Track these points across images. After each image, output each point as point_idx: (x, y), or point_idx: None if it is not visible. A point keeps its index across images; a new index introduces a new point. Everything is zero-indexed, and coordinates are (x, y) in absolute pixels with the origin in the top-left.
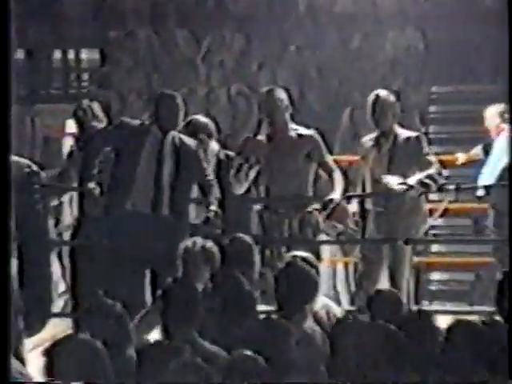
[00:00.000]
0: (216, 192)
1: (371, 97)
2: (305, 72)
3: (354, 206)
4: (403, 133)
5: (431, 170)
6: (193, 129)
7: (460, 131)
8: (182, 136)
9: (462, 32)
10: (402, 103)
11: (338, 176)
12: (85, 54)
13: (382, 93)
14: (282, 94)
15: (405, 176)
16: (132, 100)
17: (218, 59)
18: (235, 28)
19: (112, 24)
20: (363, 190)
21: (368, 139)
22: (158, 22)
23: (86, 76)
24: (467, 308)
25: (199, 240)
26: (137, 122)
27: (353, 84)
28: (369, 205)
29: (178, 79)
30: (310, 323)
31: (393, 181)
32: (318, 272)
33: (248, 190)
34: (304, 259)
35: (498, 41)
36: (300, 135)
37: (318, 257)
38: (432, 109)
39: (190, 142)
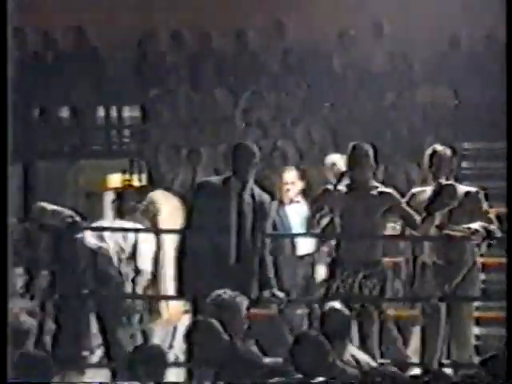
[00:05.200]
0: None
1: (428, 151)
2: (338, 128)
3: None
4: (461, 187)
5: (492, 226)
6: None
7: (492, 187)
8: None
9: (492, 90)
10: None
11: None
12: (126, 112)
13: (439, 147)
14: (369, 151)
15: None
16: (171, 155)
17: (256, 116)
18: (271, 85)
19: (152, 82)
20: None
21: (419, 191)
22: (197, 80)
23: (127, 132)
24: None
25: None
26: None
27: (385, 140)
28: (426, 258)
29: (216, 136)
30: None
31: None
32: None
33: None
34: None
35: None
36: (380, 193)
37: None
38: (464, 165)
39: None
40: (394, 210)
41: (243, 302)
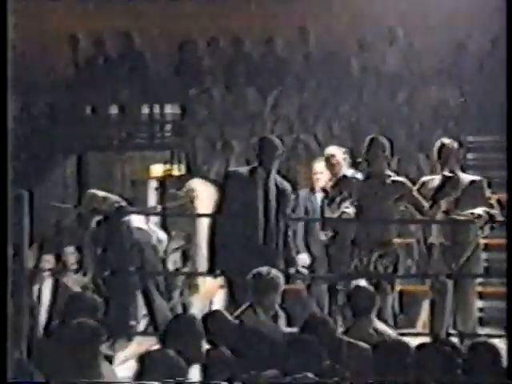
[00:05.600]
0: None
1: (437, 144)
2: (356, 123)
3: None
4: (466, 176)
5: (493, 211)
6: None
7: (494, 176)
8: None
9: (496, 86)
10: None
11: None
12: (168, 109)
13: (447, 140)
14: (385, 143)
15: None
16: (207, 148)
17: (282, 112)
18: (295, 85)
19: (191, 83)
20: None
21: (428, 179)
22: (230, 81)
23: (168, 127)
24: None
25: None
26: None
27: (398, 134)
28: (434, 239)
29: (247, 130)
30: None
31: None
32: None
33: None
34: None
35: None
36: (394, 181)
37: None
38: (469, 156)
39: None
40: (405, 198)
41: (281, 278)
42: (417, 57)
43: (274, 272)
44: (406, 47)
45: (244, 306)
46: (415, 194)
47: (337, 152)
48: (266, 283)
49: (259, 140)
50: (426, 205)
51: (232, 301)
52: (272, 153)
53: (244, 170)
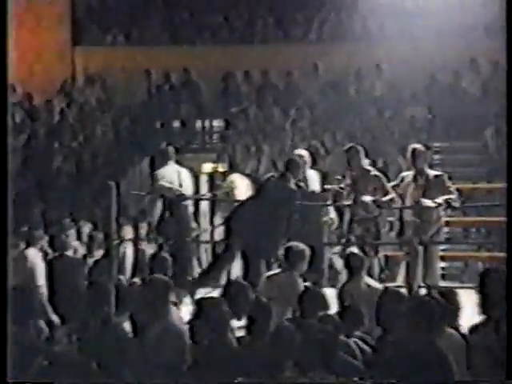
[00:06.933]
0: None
1: (410, 148)
2: (353, 133)
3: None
4: (431, 172)
5: (452, 196)
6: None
7: (455, 171)
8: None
9: (457, 105)
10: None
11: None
12: (215, 123)
13: (417, 146)
14: (360, 151)
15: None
16: (244, 151)
17: (298, 125)
18: (309, 105)
19: (232, 103)
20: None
21: (406, 175)
22: (261, 102)
23: (215, 136)
24: (459, 284)
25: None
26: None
27: (384, 141)
28: (407, 217)
29: (273, 139)
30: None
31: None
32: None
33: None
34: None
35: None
36: (372, 175)
37: (377, 251)
38: (436, 157)
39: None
40: (379, 189)
41: (308, 250)
42: (397, 85)
43: (302, 245)
44: (389, 78)
45: (278, 270)
46: (385, 184)
47: (304, 154)
48: (297, 254)
49: (287, 160)
50: (394, 194)
51: (246, 267)
52: (297, 167)
53: (277, 175)
